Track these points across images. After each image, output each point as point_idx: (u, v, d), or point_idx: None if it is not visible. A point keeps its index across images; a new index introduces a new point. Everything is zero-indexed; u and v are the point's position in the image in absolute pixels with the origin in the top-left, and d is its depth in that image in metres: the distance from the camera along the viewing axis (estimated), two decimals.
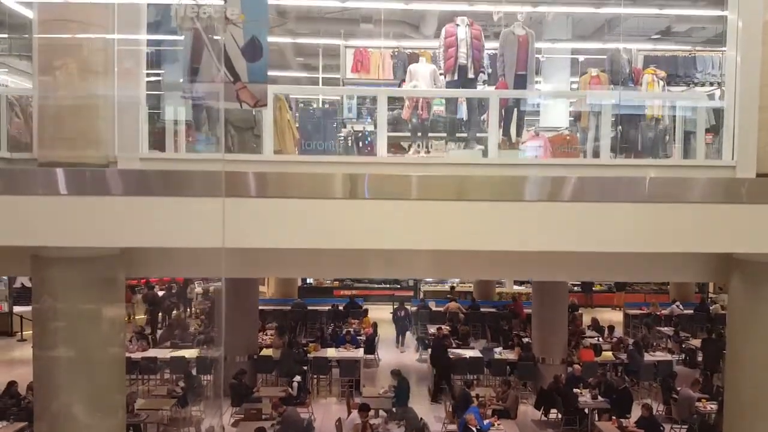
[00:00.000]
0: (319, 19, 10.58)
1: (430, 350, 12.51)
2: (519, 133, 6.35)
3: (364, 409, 8.96)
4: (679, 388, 11.05)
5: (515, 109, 6.28)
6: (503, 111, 6.02)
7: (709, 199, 5.16)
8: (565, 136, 9.95)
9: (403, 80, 9.94)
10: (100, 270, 5.35)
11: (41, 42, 5.47)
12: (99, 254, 5.23)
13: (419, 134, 6.04)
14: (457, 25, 6.18)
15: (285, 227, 5.06)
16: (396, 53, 9.83)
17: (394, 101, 9.58)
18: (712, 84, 10.04)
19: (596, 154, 7.02)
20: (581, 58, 12.52)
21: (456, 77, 6.10)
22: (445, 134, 6.79)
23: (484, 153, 5.68)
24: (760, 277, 5.56)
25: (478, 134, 6.60)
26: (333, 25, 10.88)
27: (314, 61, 13.86)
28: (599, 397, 10.66)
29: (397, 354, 16.03)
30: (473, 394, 10.37)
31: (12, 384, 10.01)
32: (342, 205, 5.07)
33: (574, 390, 10.80)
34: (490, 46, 6.94)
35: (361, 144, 8.46)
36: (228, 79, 5.17)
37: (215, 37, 5.09)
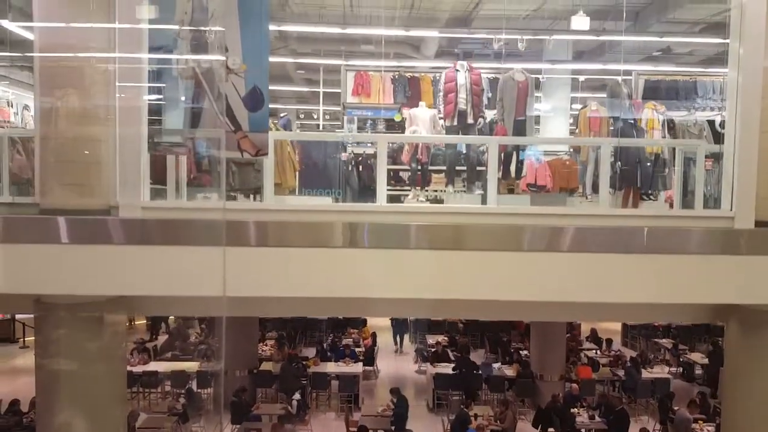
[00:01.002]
0: (321, 39, 10.58)
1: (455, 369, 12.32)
2: (518, 176, 6.36)
3: (362, 431, 9.04)
4: (676, 408, 11.12)
5: (514, 152, 6.30)
6: (502, 155, 6.03)
7: (707, 250, 5.19)
8: (564, 161, 10.00)
9: (404, 104, 10.02)
10: (102, 310, 5.38)
11: (42, 84, 5.49)
12: (100, 299, 5.27)
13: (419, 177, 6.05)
14: (457, 70, 6.19)
15: (284, 276, 5.11)
16: (396, 77, 9.83)
17: (394, 125, 9.64)
18: (713, 109, 10.02)
19: (595, 187, 7.06)
20: (581, 77, 12.56)
21: (456, 122, 6.11)
22: (445, 168, 6.80)
23: (484, 197, 5.69)
24: (758, 322, 5.60)
25: (477, 168, 6.62)
26: (334, 45, 10.89)
27: (315, 76, 13.91)
28: (597, 417, 10.74)
29: (396, 362, 16.13)
30: (471, 413, 10.45)
31: (15, 402, 10.10)
32: (342, 254, 5.11)
33: (572, 410, 10.88)
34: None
35: (361, 168, 8.52)
36: (229, 128, 5.20)
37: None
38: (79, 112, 5.39)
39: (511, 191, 6.04)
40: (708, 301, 5.35)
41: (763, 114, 5.35)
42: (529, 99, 6.23)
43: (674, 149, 8.40)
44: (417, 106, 9.98)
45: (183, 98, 5.20)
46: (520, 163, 6.37)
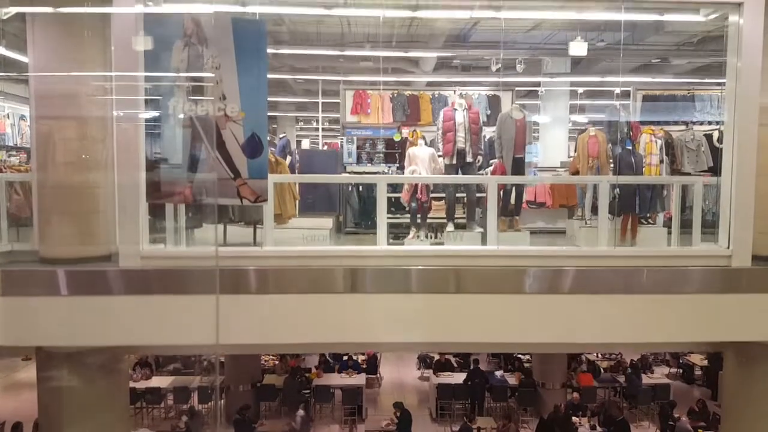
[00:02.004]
0: (320, 56, 10.52)
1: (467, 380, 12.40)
2: (518, 212, 6.36)
3: None
4: (677, 416, 11.22)
5: (513, 188, 6.30)
6: (502, 192, 6.04)
7: (705, 289, 5.22)
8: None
9: (403, 123, 10.00)
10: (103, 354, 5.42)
11: (38, 136, 5.48)
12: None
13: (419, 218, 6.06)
14: (455, 109, 6.17)
15: (284, 323, 5.12)
16: (395, 95, 9.80)
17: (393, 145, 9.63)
18: (710, 123, 10.00)
19: (594, 209, 7.04)
20: (580, 90, 12.54)
21: (454, 161, 6.12)
22: (444, 195, 6.79)
23: (484, 237, 5.70)
24: (754, 355, 5.65)
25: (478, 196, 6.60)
26: (332, 61, 10.84)
27: (314, 86, 13.85)
28: (597, 427, 10.84)
29: (399, 369, 16.19)
30: (474, 427, 10.54)
31: (17, 426, 10.16)
32: (342, 300, 5.13)
33: (573, 419, 10.98)
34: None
35: (361, 187, 8.53)
36: (228, 176, 5.19)
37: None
38: (78, 159, 5.39)
39: (511, 227, 6.05)
40: (705, 339, 5.41)
41: (760, 154, 5.37)
42: (527, 135, 6.22)
43: (672, 162, 8.50)
44: (416, 123, 10.03)
45: (181, 146, 5.17)
46: (519, 198, 6.37)
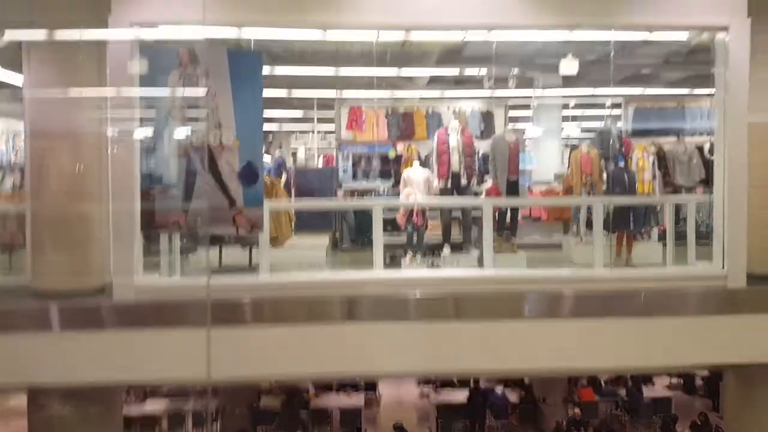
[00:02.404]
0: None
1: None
2: (514, 232, 6.37)
3: None
4: (679, 430, 11.16)
5: (509, 209, 6.31)
6: (497, 214, 6.05)
7: (702, 311, 5.23)
8: (557, 192, 10.03)
9: (398, 138, 10.04)
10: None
11: (32, 164, 5.45)
12: None
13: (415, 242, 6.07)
14: (449, 133, 6.21)
15: (280, 354, 5.06)
16: (390, 111, 9.84)
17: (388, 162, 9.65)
18: (701, 134, 10.09)
19: (589, 224, 7.04)
20: (571, 103, 12.61)
21: (449, 184, 6.14)
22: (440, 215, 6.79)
23: (480, 259, 5.69)
24: (753, 375, 5.65)
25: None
26: (328, 79, 10.84)
27: (310, 100, 13.86)
28: None
29: (398, 385, 16.03)
30: None
31: None
32: (339, 330, 5.10)
33: None
34: None
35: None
36: (224, 205, 5.18)
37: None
38: (71, 189, 5.36)
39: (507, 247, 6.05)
40: (703, 362, 5.42)
41: (751, 169, 5.41)
42: (520, 157, 6.25)
43: (664, 175, 8.54)
44: (411, 139, 10.06)
45: (176, 175, 5.16)
46: (514, 220, 6.38)
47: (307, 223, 7.80)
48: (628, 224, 6.99)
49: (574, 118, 13.58)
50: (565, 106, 12.73)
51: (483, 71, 9.66)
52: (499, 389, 13.31)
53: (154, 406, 12.46)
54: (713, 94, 5.89)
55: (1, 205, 6.68)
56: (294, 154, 19.31)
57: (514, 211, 6.43)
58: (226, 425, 11.68)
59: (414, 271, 5.65)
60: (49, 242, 5.34)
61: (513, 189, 6.12)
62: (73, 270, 5.30)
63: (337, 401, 12.62)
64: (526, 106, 12.00)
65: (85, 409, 5.28)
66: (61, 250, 5.31)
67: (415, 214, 6.07)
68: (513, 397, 12.74)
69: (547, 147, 12.60)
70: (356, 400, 12.70)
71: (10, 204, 7.09)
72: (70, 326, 4.99)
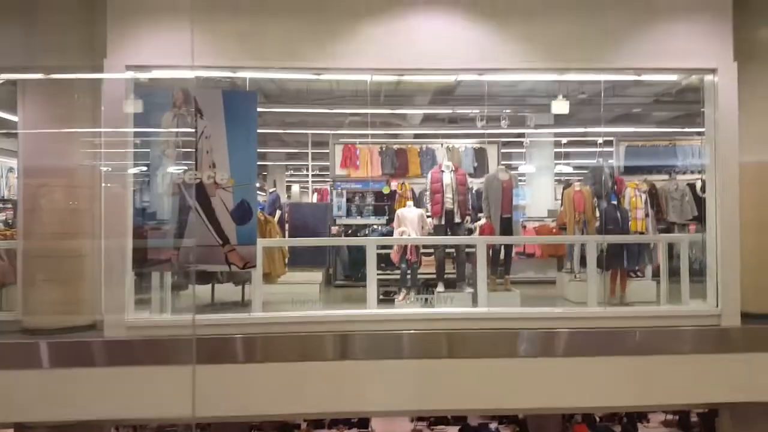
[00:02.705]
0: (309, 111, 10.71)
1: None
2: (507, 270, 6.38)
3: None
4: None
5: (502, 247, 6.34)
6: (491, 252, 6.08)
7: (696, 350, 5.21)
8: (551, 228, 10.09)
9: (392, 175, 10.13)
10: None
11: (24, 203, 5.46)
12: None
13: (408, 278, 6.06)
14: (442, 171, 6.29)
15: (271, 393, 4.99)
16: (384, 149, 9.95)
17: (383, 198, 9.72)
18: (693, 172, 10.22)
19: (583, 261, 7.06)
20: (564, 140, 12.82)
21: (443, 221, 6.17)
22: (433, 252, 6.80)
23: (474, 297, 5.68)
24: (748, 414, 5.60)
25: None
26: (321, 117, 11.03)
27: (304, 138, 14.05)
28: None
29: (391, 421, 15.72)
30: None
31: None
32: (331, 368, 5.04)
33: None
34: None
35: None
36: (217, 242, 5.18)
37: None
38: (64, 227, 5.35)
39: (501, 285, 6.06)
40: (698, 401, 5.38)
41: (742, 207, 5.48)
42: (513, 195, 6.32)
43: (657, 212, 8.61)
44: (405, 175, 10.16)
45: (169, 213, 5.18)
46: (508, 258, 6.40)
47: (300, 258, 7.78)
48: (621, 262, 7.02)
49: (567, 156, 13.81)
50: (558, 144, 12.94)
51: (476, 111, 9.85)
52: (493, 425, 13.06)
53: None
54: (703, 133, 6.03)
55: None
56: (289, 188, 19.41)
57: (508, 248, 6.45)
58: None
59: (407, 308, 5.62)
60: (40, 279, 5.30)
61: (506, 226, 6.16)
62: (65, 307, 5.25)
63: None
64: (519, 144, 12.19)
65: None
66: (53, 287, 5.28)
67: (408, 252, 6.08)
68: None
69: (540, 183, 12.76)
70: None
71: (2, 240, 7.02)
72: (59, 363, 4.91)
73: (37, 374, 4.92)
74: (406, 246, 6.08)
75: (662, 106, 11.25)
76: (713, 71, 5.56)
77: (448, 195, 6.04)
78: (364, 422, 14.02)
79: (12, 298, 5.65)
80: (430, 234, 6.43)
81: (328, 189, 10.61)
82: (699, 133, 8.79)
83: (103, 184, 5.30)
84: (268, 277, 6.70)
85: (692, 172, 10.39)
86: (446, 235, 6.31)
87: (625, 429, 12.80)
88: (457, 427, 12.48)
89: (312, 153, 14.53)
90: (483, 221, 6.51)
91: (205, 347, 4.96)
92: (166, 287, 5.48)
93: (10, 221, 11.22)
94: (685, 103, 10.84)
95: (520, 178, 10.88)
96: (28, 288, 5.33)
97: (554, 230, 9.48)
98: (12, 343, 5.02)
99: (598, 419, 13.72)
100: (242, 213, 5.16)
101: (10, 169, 15.84)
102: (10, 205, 13.05)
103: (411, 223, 6.17)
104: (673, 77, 6.57)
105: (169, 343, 4.98)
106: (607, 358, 5.16)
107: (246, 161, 5.17)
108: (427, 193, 6.30)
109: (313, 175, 16.81)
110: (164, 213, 5.24)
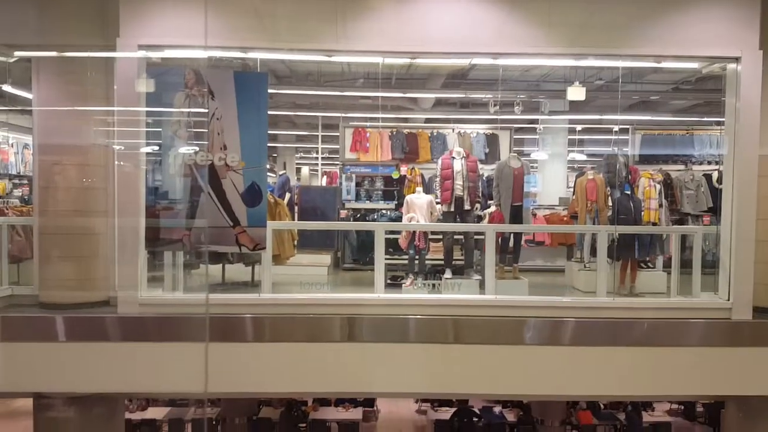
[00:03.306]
0: (320, 93, 10.64)
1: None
2: (516, 259, 6.36)
3: None
4: None
5: (512, 235, 6.30)
6: (500, 239, 6.05)
7: (706, 342, 5.18)
8: (561, 216, 10.00)
9: (402, 160, 10.08)
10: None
11: (39, 180, 5.53)
12: None
13: (416, 264, 6.06)
14: (453, 157, 6.23)
15: (279, 372, 5.08)
16: (394, 133, 9.88)
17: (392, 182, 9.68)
18: (710, 162, 10.05)
19: (593, 251, 7.02)
20: (579, 127, 12.62)
21: (452, 208, 6.14)
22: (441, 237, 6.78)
23: (482, 284, 5.68)
24: (755, 408, 5.59)
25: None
26: (333, 99, 10.96)
27: (314, 120, 13.99)
28: None
29: (396, 401, 15.90)
30: None
31: None
32: (338, 349, 5.10)
33: None
34: None
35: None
36: (227, 224, 5.22)
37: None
38: (78, 204, 5.43)
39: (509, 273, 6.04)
40: (705, 393, 5.36)
41: (759, 201, 5.38)
42: (524, 183, 6.26)
43: (671, 203, 8.47)
44: (415, 161, 10.10)
45: (181, 194, 5.22)
46: (517, 246, 6.37)
47: (309, 241, 7.84)
48: (632, 252, 6.96)
49: (580, 143, 13.59)
50: (572, 131, 12.74)
51: (489, 96, 9.71)
52: (497, 409, 13.19)
53: (155, 412, 12.46)
54: (723, 123, 5.89)
55: (10, 218, 6.73)
56: (298, 170, 19.41)
57: (518, 236, 6.41)
58: None
59: (415, 294, 5.64)
60: (55, 255, 5.41)
61: (517, 214, 6.12)
62: (79, 283, 5.36)
63: (335, 414, 12.55)
64: (532, 130, 12.02)
65: (89, 412, 5.33)
66: (68, 264, 5.39)
67: (417, 238, 6.08)
68: (510, 416, 12.61)
69: (553, 171, 12.61)
70: (354, 414, 12.64)
71: (18, 216, 7.14)
72: (75, 337, 5.04)
73: (55, 347, 5.06)
74: (414, 232, 6.08)
75: (681, 94, 10.99)
76: (737, 59, 5.39)
77: (459, 182, 6.01)
78: (369, 401, 14.24)
79: (29, 273, 5.78)
80: (439, 221, 6.42)
81: (338, 172, 10.59)
82: (718, 123, 8.64)
83: (116, 163, 5.34)
84: (278, 259, 6.76)
85: (709, 163, 10.23)
86: (455, 222, 6.30)
87: (629, 417, 12.80)
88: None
89: (322, 136, 14.51)
90: (493, 209, 6.47)
91: (216, 325, 5.05)
92: (178, 266, 5.56)
93: (26, 197, 11.40)
94: (705, 92, 10.60)
95: (532, 165, 10.76)
96: (44, 264, 5.44)
97: (565, 218, 9.40)
98: (30, 316, 5.15)
99: (602, 406, 13.78)
100: (253, 195, 5.19)
101: (26, 146, 16.04)
102: (26, 181, 13.24)
103: (420, 209, 6.16)
104: (695, 65, 6.41)
105: (182, 321, 5.08)
106: (615, 348, 5.17)
107: (256, 143, 5.17)
108: (437, 179, 6.26)
109: (322, 158, 16.80)
110: (176, 193, 5.28)
